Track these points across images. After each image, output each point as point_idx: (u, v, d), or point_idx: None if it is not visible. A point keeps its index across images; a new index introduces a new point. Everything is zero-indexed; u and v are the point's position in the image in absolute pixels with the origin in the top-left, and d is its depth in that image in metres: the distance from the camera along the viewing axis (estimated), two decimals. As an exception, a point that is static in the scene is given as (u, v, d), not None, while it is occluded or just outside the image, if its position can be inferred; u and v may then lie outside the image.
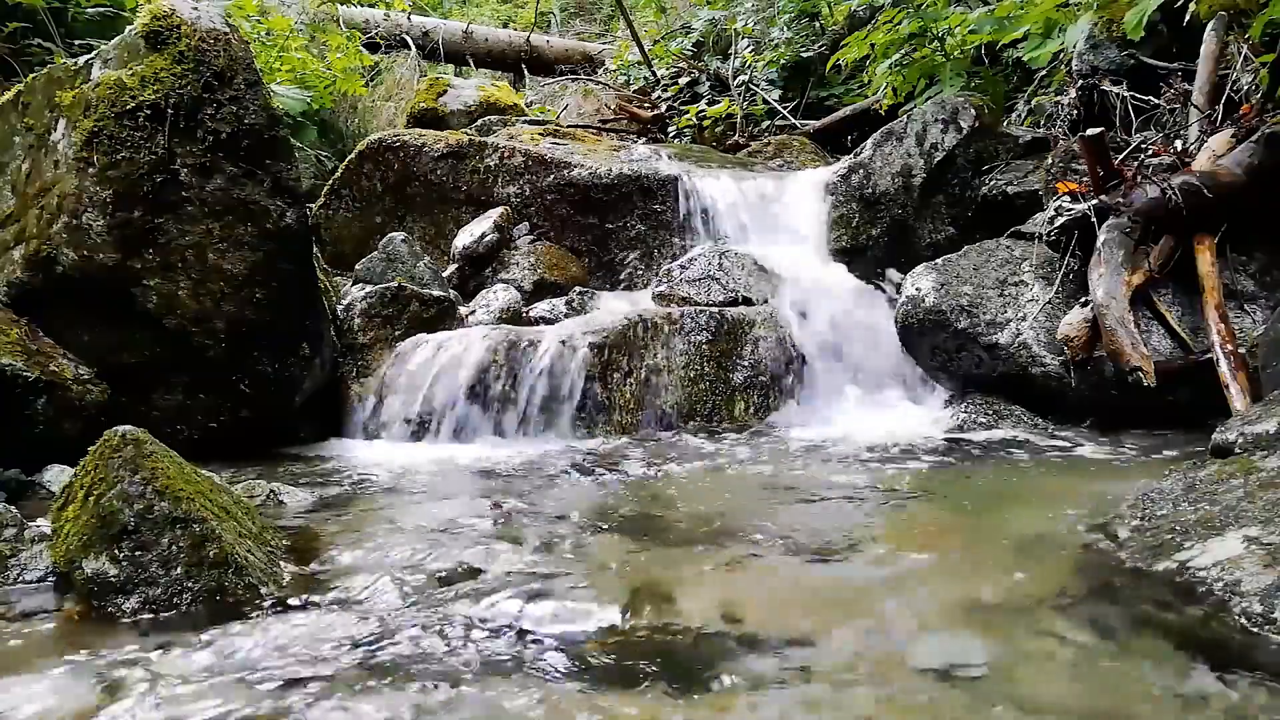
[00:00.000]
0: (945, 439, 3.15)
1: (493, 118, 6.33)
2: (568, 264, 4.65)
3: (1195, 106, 3.53)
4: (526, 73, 9.44)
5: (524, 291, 4.35)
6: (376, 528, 2.20)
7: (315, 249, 3.52)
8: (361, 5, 8.89)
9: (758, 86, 6.61)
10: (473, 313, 4.08)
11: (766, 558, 1.90)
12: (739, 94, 6.61)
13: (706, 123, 6.45)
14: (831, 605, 1.66)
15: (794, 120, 6.32)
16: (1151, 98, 3.86)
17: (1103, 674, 1.32)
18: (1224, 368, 2.83)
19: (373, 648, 1.49)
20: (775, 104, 6.48)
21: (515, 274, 4.47)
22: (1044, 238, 3.46)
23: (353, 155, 5.10)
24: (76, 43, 4.77)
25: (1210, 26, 3.59)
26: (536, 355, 3.44)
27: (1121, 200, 3.25)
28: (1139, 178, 3.28)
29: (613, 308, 4.12)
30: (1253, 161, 3.11)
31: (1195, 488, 1.89)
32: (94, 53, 3.04)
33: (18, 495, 2.49)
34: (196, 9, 2.96)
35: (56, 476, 2.61)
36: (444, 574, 1.82)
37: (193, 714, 1.28)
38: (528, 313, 4.16)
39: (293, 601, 1.70)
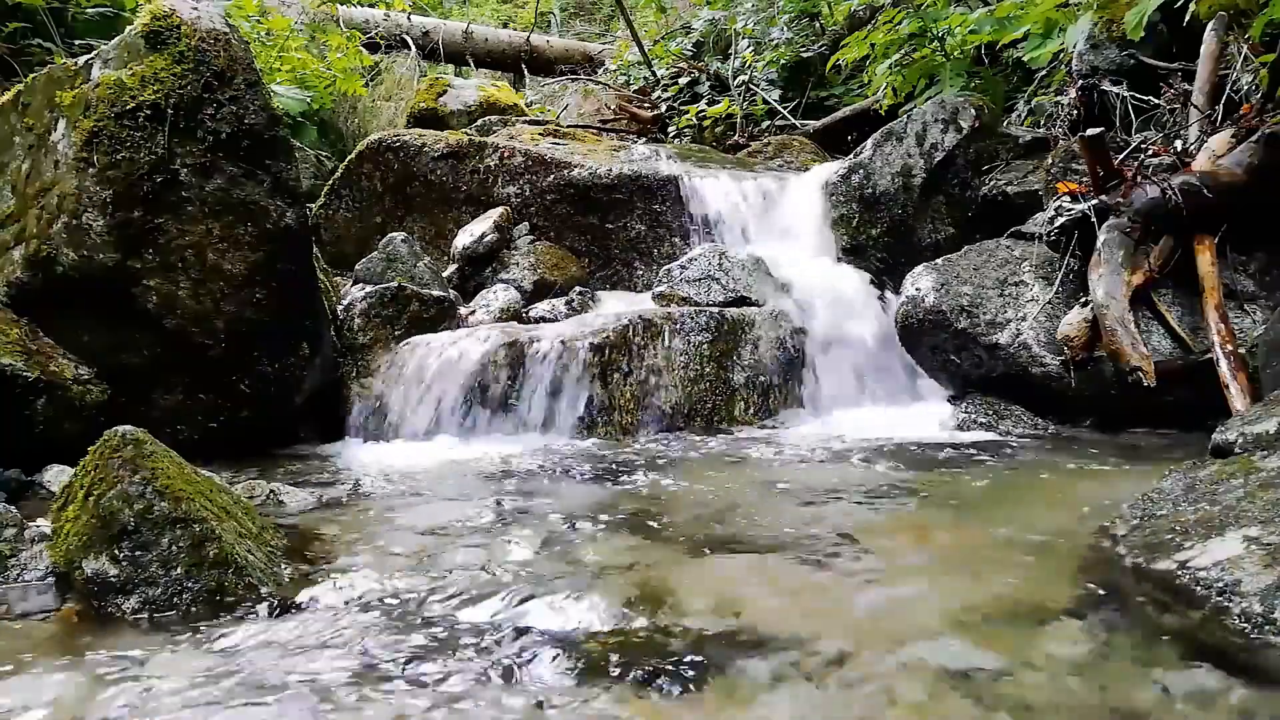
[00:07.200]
0: (945, 439, 3.15)
1: (493, 118, 6.34)
2: (568, 264, 4.65)
3: (1195, 106, 3.53)
4: (526, 73, 9.44)
5: (524, 291, 4.35)
6: (376, 528, 2.20)
7: (315, 249, 3.52)
8: (361, 5, 8.89)
9: (758, 86, 6.61)
10: (473, 313, 4.08)
11: (766, 558, 1.90)
12: (739, 94, 6.61)
13: (706, 123, 6.45)
14: (832, 605, 1.66)
15: (794, 120, 6.31)
16: (1151, 98, 3.86)
17: (1103, 674, 1.32)
18: (1224, 368, 2.83)
19: (373, 648, 1.49)
20: (775, 104, 6.48)
21: (515, 274, 4.47)
22: (1044, 238, 3.46)
23: (353, 155, 5.11)
24: (76, 43, 4.77)
25: (1210, 26, 3.58)
26: (536, 355, 3.44)
27: (1121, 200, 3.25)
28: (1139, 178, 3.28)
29: (613, 308, 4.12)
30: (1252, 161, 3.11)
31: (1195, 488, 1.89)
32: (94, 53, 3.04)
33: (18, 495, 2.49)
34: (196, 9, 2.96)
35: (56, 476, 2.61)
36: (444, 574, 1.82)
37: (192, 714, 1.28)
38: (528, 313, 4.16)
39: (293, 601, 1.70)
